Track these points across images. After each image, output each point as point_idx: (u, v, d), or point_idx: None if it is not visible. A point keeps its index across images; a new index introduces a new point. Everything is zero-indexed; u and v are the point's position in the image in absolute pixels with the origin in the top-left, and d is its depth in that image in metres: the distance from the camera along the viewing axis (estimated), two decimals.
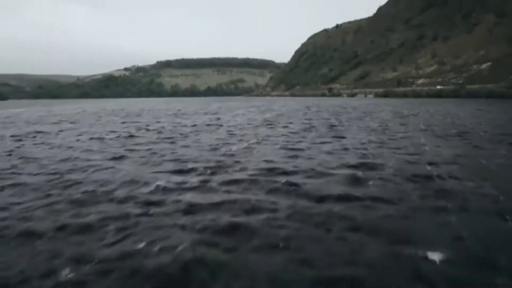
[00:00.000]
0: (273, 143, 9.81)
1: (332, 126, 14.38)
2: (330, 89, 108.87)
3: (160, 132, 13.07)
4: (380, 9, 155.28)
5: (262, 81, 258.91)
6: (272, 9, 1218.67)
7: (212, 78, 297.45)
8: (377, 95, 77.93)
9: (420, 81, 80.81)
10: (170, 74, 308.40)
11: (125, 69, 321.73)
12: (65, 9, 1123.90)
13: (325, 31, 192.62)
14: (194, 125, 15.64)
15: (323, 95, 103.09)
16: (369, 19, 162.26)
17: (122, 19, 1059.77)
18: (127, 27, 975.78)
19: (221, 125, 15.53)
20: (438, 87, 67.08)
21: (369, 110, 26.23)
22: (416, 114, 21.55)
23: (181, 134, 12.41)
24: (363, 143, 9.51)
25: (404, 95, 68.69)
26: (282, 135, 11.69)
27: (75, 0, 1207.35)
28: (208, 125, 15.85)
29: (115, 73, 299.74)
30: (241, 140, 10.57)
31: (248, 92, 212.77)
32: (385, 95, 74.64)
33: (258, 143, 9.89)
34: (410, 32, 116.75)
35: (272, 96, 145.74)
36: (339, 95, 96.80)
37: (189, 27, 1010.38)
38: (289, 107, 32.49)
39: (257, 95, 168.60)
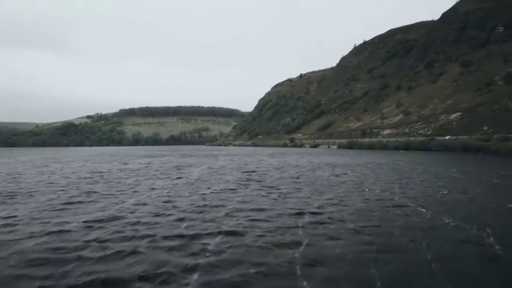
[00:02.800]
0: None
1: None
2: (292, 139, 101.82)
3: None
4: (343, 59, 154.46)
5: (227, 129, 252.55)
6: (238, 57, 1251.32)
7: (176, 127, 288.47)
8: (341, 146, 70.85)
9: (386, 131, 74.78)
10: (133, 122, 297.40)
11: (88, 116, 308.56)
12: (27, 56, 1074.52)
13: (289, 80, 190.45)
14: None
15: (285, 145, 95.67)
16: (332, 69, 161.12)
17: (87, 67, 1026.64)
18: (92, 75, 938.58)
19: None
20: (408, 138, 60.68)
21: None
22: None
23: None
24: None
25: (370, 146, 61.66)
26: None
27: (37, 46, 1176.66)
28: None
29: (76, 120, 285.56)
30: None
31: (212, 141, 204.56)
32: (349, 146, 67.56)
33: None
34: (373, 81, 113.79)
35: (234, 145, 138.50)
36: (301, 145, 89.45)
37: (155, 76, 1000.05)
38: (217, 167, 23.38)
39: (219, 144, 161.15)
